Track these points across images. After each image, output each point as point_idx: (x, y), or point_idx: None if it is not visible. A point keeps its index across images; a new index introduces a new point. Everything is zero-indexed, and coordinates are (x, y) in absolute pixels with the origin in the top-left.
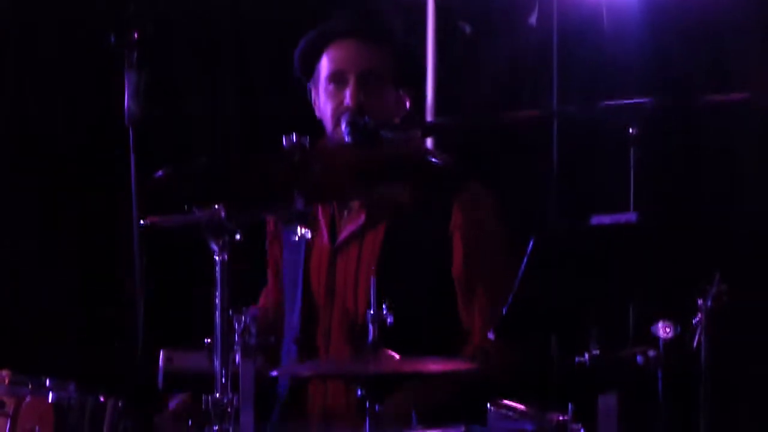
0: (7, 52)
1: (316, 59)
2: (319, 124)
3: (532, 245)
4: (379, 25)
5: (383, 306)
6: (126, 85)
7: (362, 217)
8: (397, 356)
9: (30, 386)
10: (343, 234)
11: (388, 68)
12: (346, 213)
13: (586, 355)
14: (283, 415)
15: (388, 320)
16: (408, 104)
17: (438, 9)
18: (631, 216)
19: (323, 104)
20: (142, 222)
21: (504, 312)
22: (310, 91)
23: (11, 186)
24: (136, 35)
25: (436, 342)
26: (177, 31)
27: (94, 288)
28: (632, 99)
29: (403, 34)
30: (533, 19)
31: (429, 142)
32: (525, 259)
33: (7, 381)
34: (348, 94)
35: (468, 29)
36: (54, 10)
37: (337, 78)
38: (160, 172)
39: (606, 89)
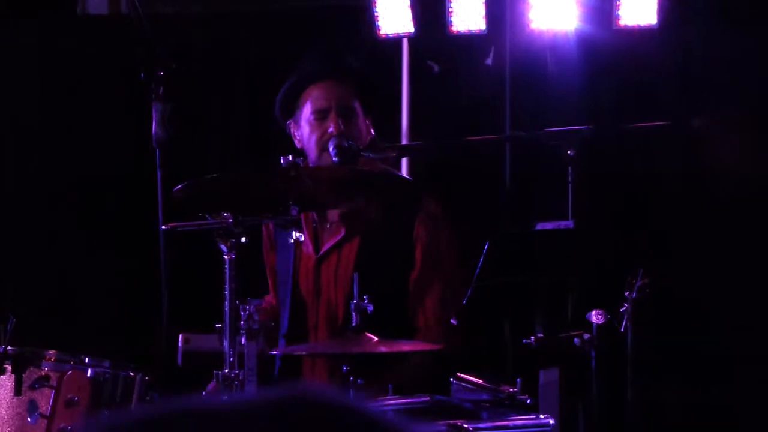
0: (56, 86)
1: (297, 100)
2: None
3: (488, 246)
4: (347, 65)
5: (364, 298)
6: (153, 114)
7: (342, 232)
8: (375, 338)
9: (71, 363)
10: (326, 245)
11: (356, 100)
12: (327, 226)
13: (532, 338)
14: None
15: (369, 309)
16: (372, 130)
17: (411, 50)
18: (569, 223)
19: (308, 136)
20: (165, 227)
21: (464, 301)
22: (288, 128)
23: (59, 196)
24: (161, 72)
25: (406, 328)
26: (196, 68)
27: (126, 281)
28: (571, 126)
29: (367, 72)
30: (489, 60)
31: (404, 163)
32: (481, 258)
33: (53, 359)
34: (331, 124)
35: (436, 67)
36: (96, 51)
37: (320, 113)
38: (180, 186)
39: (550, 117)
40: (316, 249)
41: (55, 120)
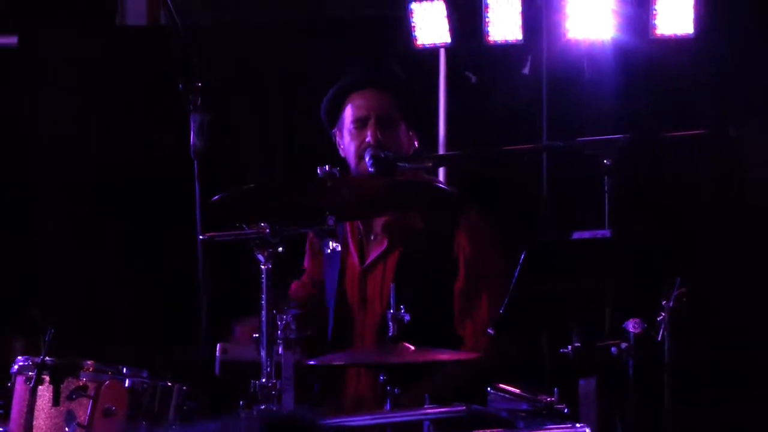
0: (94, 97)
1: (340, 108)
2: (343, 161)
3: (525, 256)
4: (391, 76)
5: (401, 308)
6: (191, 124)
7: (385, 243)
8: (412, 348)
9: (109, 373)
10: (371, 256)
11: (397, 111)
12: (372, 238)
13: (570, 347)
14: (320, 397)
15: (406, 318)
16: (416, 142)
17: (448, 61)
18: (606, 232)
19: (348, 144)
20: (202, 237)
21: (501, 311)
22: (334, 136)
23: (98, 206)
24: (199, 83)
25: (446, 338)
26: (233, 79)
27: (164, 292)
28: (608, 135)
29: (409, 83)
30: (526, 70)
31: (441, 173)
32: (518, 268)
33: (91, 369)
34: (369, 133)
35: (473, 78)
36: (134, 62)
37: (359, 122)
38: (217, 196)
39: (586, 127)
40: (362, 260)
41: (94, 131)
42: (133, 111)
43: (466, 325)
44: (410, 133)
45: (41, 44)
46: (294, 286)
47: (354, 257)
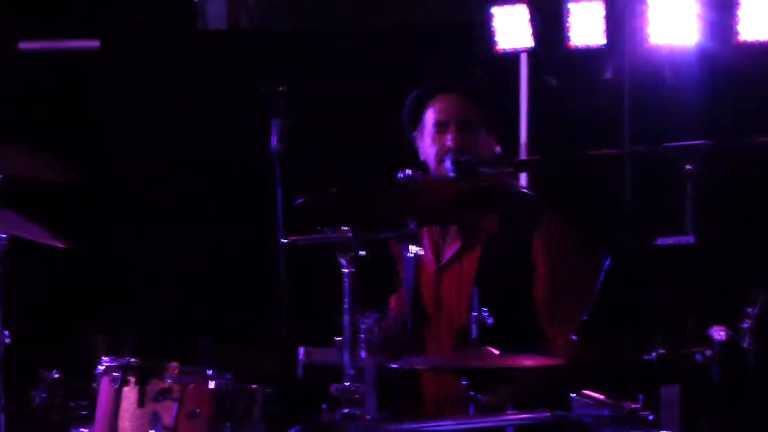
0: (175, 101)
1: (421, 112)
2: (423, 165)
3: (609, 262)
4: (473, 80)
5: (483, 311)
6: (272, 128)
7: (459, 243)
8: (496, 352)
9: (194, 376)
10: (446, 256)
11: (479, 115)
12: (447, 239)
13: (654, 354)
14: (402, 401)
15: (489, 321)
16: (497, 146)
17: (529, 65)
18: (689, 238)
19: (428, 147)
20: (285, 240)
21: (585, 317)
22: (414, 139)
23: (183, 209)
24: (280, 87)
25: (527, 341)
26: (314, 83)
27: (247, 295)
28: (690, 140)
29: (490, 87)
30: (608, 74)
31: (523, 178)
32: (603, 274)
33: (176, 371)
34: (450, 137)
35: (554, 82)
36: (215, 66)
37: (440, 126)
38: (299, 200)
39: (668, 132)
40: (437, 259)
41: (175, 135)
42: (214, 115)
43: (553, 329)
44: (491, 138)
45: (122, 48)
46: (393, 300)
47: (429, 256)
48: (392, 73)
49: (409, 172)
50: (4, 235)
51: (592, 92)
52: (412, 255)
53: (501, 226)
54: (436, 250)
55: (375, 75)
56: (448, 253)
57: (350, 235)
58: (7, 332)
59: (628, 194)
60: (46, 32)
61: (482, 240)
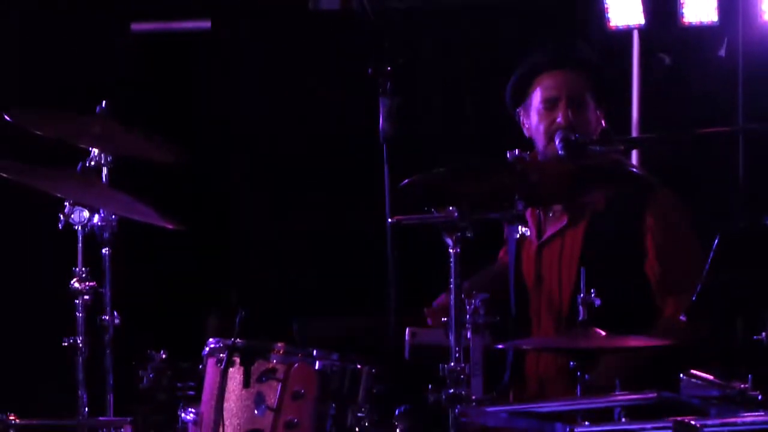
0: (286, 81)
1: (527, 88)
2: (529, 141)
3: (718, 240)
4: (581, 56)
5: (591, 291)
6: (381, 108)
7: (564, 219)
8: (603, 333)
9: (299, 355)
10: (548, 232)
11: (588, 91)
12: (550, 215)
13: (764, 334)
14: (509, 381)
15: (596, 303)
16: (603, 121)
17: (641, 42)
18: None
19: (536, 125)
20: (391, 220)
21: (694, 297)
22: (518, 115)
23: (288, 190)
24: (389, 67)
25: (633, 322)
26: (423, 62)
27: (353, 275)
28: None
29: (600, 63)
30: (722, 52)
31: (634, 156)
32: (712, 253)
33: (281, 351)
34: (560, 114)
35: (667, 59)
36: (327, 47)
37: (549, 102)
38: (407, 180)
39: None
40: (539, 234)
41: (285, 115)
42: (324, 95)
43: (669, 300)
44: (598, 113)
45: (234, 28)
46: (502, 251)
47: (532, 232)
48: (502, 50)
49: (517, 152)
50: (113, 217)
51: (705, 70)
52: (518, 236)
53: (608, 204)
54: (539, 226)
55: (485, 53)
56: (551, 229)
57: (456, 215)
58: (116, 313)
59: (742, 173)
60: (157, 14)
61: (587, 217)
